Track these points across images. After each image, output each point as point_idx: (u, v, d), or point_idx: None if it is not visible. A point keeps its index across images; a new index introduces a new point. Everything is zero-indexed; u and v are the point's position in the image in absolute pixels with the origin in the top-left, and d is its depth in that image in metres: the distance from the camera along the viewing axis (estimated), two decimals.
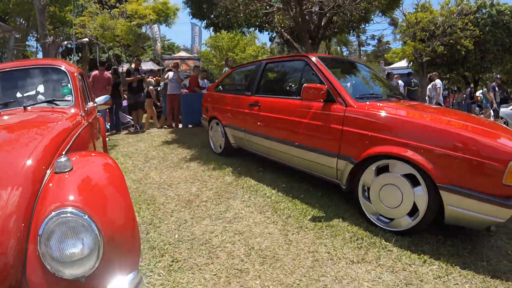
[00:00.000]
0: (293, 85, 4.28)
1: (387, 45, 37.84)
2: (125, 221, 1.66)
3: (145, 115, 10.13)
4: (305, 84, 3.33)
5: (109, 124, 9.14)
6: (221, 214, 3.32)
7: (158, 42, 24.55)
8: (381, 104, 3.25)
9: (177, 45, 38.81)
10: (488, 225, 2.59)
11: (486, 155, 2.38)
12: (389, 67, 21.58)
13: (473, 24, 16.20)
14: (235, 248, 2.67)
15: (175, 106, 9.42)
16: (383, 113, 2.96)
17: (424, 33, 16.13)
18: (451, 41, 15.75)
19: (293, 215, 3.26)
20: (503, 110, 12.02)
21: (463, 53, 16.76)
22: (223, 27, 11.47)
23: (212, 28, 11.97)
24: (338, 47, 36.25)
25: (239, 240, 2.81)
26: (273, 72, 4.90)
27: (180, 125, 9.58)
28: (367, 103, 3.28)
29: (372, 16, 11.36)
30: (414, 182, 2.69)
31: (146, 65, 21.98)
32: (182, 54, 25.60)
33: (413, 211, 2.73)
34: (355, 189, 3.15)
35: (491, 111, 11.45)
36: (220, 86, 5.85)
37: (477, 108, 16.45)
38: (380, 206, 2.93)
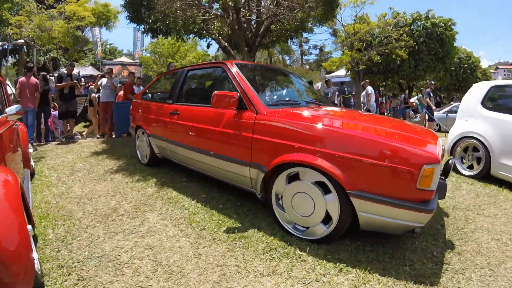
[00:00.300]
0: (210, 93, 4.19)
1: (329, 54, 39.08)
2: (18, 241, 1.65)
3: (82, 124, 9.68)
4: (215, 92, 3.22)
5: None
6: (135, 228, 3.16)
7: (98, 46, 23.72)
8: (293, 111, 3.18)
9: (120, 50, 37.80)
10: (408, 229, 2.55)
11: (398, 159, 2.35)
12: (330, 75, 22.28)
13: (408, 35, 17.20)
14: (143, 264, 2.53)
15: (109, 114, 9.05)
16: (291, 120, 2.89)
17: (361, 43, 16.84)
18: (386, 50, 16.58)
19: (208, 227, 3.14)
20: (436, 113, 12.64)
21: (398, 62, 17.75)
22: (161, 32, 11.21)
23: (150, 33, 11.66)
24: (280, 56, 36.90)
25: (148, 255, 2.67)
26: (194, 80, 4.77)
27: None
28: (280, 109, 3.22)
29: (313, 26, 11.58)
30: (326, 189, 2.64)
31: (86, 70, 21.13)
32: (124, 59, 24.92)
33: (328, 218, 2.68)
34: (269, 198, 3.08)
35: (426, 115, 12.02)
36: (146, 94, 5.65)
37: (411, 112, 17.32)
38: (294, 215, 2.87)
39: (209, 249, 2.76)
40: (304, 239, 2.83)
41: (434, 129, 11.79)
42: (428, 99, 11.45)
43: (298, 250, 2.69)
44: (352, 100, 13.11)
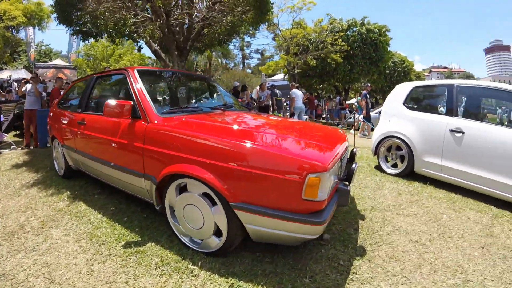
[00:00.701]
0: None
1: (270, 58, 39.59)
2: None
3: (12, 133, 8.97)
4: (106, 101, 3.05)
5: None
6: (37, 245, 3.00)
7: (32, 47, 22.38)
8: (185, 119, 3.08)
9: (56, 52, 35.88)
10: (304, 241, 2.42)
11: (280, 168, 2.22)
12: (270, 79, 22.66)
13: (343, 40, 17.85)
14: (37, 283, 2.43)
15: (33, 122, 8.49)
16: (176, 129, 2.78)
17: (297, 47, 17.27)
18: (322, 55, 17.09)
19: (107, 241, 3.00)
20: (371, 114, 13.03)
21: (333, 65, 18.33)
22: (91, 35, 10.71)
23: (80, 36, 11.09)
24: (220, 60, 36.85)
25: (44, 273, 2.55)
26: (101, 87, 4.56)
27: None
28: (173, 117, 3.10)
29: (247, 30, 11.58)
30: (214, 201, 2.54)
31: (19, 74, 19.83)
32: (58, 62, 23.60)
33: (220, 230, 2.58)
34: (163, 210, 2.98)
35: (360, 118, 12.38)
36: (62, 102, 5.31)
37: (347, 113, 17.96)
38: (187, 227, 2.78)
39: (103, 265, 2.64)
40: (200, 252, 2.74)
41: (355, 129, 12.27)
42: (365, 101, 11.79)
43: (191, 264, 2.58)
44: (288, 102, 13.40)
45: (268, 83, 14.30)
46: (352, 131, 11.88)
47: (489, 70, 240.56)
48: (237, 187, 2.36)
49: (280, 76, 22.80)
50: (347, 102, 23.09)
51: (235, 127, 2.97)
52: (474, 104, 5.07)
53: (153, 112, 3.05)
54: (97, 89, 4.50)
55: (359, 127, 12.57)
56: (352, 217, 3.61)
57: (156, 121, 2.97)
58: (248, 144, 2.40)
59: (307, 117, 14.20)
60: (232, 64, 44.03)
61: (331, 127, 4.18)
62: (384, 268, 2.58)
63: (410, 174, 5.33)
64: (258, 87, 12.84)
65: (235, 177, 2.36)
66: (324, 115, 20.78)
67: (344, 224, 3.38)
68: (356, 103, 17.23)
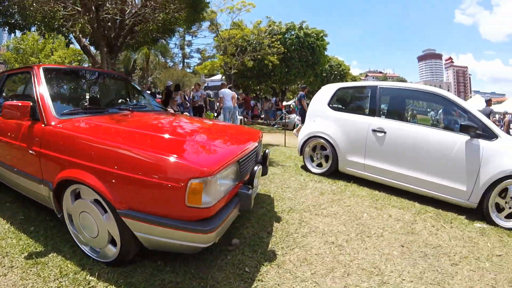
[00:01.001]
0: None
1: (211, 58, 39.45)
2: None
3: None
4: (5, 102, 2.86)
5: None
6: None
7: None
8: (83, 121, 2.94)
9: None
10: (199, 249, 2.31)
11: (161, 174, 2.12)
12: (209, 79, 22.66)
13: (281, 43, 18.24)
14: None
15: None
16: (68, 132, 2.65)
17: (234, 48, 17.44)
18: (259, 56, 17.36)
19: (11, 252, 2.77)
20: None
21: (270, 67, 18.64)
22: (18, 27, 10.04)
23: (7, 28, 10.36)
24: (158, 58, 36.01)
25: None
26: (10, 86, 4.24)
27: None
28: (72, 119, 2.94)
29: (181, 28, 11.43)
30: (105, 208, 2.42)
31: None
32: None
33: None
34: (63, 218, 2.81)
35: (296, 119, 12.66)
36: None
37: (283, 114, 18.50)
38: (84, 235, 2.64)
39: (4, 278, 2.44)
40: (101, 262, 2.60)
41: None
42: (304, 103, 12.00)
43: (89, 275, 2.44)
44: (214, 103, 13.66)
45: (206, 83, 14.28)
46: (295, 131, 12.15)
47: (421, 76, 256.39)
48: (122, 193, 2.26)
49: (219, 76, 22.81)
50: (284, 104, 23.60)
51: (130, 129, 2.88)
52: (397, 105, 5.26)
53: (50, 113, 2.88)
54: (6, 88, 4.17)
55: (294, 127, 12.89)
56: (267, 219, 3.50)
57: (53, 123, 2.80)
58: (132, 148, 2.32)
59: (241, 117, 14.29)
60: (172, 63, 43.26)
61: (245, 128, 4.15)
62: (294, 273, 2.50)
63: (335, 173, 5.45)
64: (192, 87, 12.85)
65: (119, 183, 2.25)
66: (262, 116, 21.12)
67: (258, 227, 3.29)
68: (293, 104, 17.63)
